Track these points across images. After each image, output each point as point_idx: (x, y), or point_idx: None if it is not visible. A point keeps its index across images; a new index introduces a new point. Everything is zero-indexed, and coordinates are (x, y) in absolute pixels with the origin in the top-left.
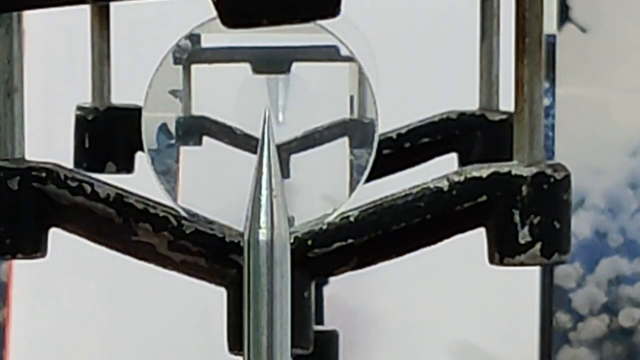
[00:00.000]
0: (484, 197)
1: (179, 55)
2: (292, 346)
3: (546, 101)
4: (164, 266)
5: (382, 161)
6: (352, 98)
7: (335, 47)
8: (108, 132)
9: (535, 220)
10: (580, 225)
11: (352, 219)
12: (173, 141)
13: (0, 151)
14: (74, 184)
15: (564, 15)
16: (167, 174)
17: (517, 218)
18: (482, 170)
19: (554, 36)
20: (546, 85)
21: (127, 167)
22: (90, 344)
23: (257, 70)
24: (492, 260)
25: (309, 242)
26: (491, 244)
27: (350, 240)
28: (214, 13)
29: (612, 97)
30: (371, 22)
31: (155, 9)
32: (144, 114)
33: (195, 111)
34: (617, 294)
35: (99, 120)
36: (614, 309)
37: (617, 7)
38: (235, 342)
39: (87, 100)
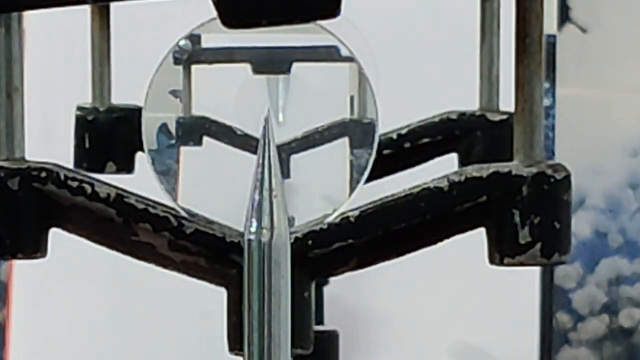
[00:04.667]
0: (484, 197)
1: (179, 56)
2: (292, 346)
3: (546, 101)
4: (164, 266)
5: (382, 161)
6: (352, 98)
7: (335, 47)
8: (108, 132)
9: (536, 221)
10: (580, 225)
11: (352, 219)
12: (173, 141)
13: (1, 151)
14: (74, 184)
15: (564, 15)
16: (167, 174)
17: (517, 218)
18: (482, 171)
19: (554, 36)
20: (546, 85)
21: (127, 167)
22: (90, 344)
23: (257, 70)
24: (492, 261)
25: (309, 242)
26: (491, 244)
27: (350, 241)
28: (214, 13)
29: (612, 97)
30: (371, 22)
31: (155, 9)
32: (144, 114)
33: (195, 111)
34: (617, 294)
35: (99, 120)
36: (614, 309)
37: (617, 7)
38: (235, 342)
39: (87, 100)
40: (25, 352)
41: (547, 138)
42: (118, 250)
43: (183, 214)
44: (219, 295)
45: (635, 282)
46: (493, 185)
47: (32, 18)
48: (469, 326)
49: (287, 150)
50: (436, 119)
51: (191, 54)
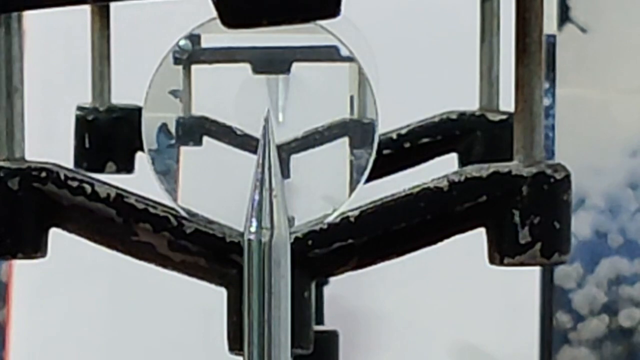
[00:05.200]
0: (484, 197)
1: (179, 55)
2: (292, 346)
3: (546, 101)
4: (164, 266)
5: (382, 161)
6: (352, 98)
7: (335, 47)
8: (108, 132)
9: (535, 221)
10: (580, 225)
11: (352, 219)
12: (173, 141)
13: (1, 151)
14: (74, 184)
15: (564, 15)
16: (167, 174)
17: (517, 218)
18: (482, 171)
19: (554, 36)
20: (546, 85)
21: (127, 167)
22: (90, 344)
23: (257, 70)
24: (492, 261)
25: (309, 242)
26: (491, 244)
27: (350, 240)
28: (214, 13)
29: (612, 97)
30: (371, 22)
31: (155, 9)
32: (144, 114)
33: (195, 111)
34: (617, 294)
35: (99, 120)
36: (614, 309)
37: (617, 7)
38: (235, 342)
39: (87, 100)
40: (25, 352)
41: (547, 138)
42: (118, 250)
43: (183, 214)
44: (219, 294)
45: (635, 282)
46: (493, 185)
47: (32, 18)
48: (469, 326)
49: (287, 150)
50: (436, 119)
51: (191, 54)
